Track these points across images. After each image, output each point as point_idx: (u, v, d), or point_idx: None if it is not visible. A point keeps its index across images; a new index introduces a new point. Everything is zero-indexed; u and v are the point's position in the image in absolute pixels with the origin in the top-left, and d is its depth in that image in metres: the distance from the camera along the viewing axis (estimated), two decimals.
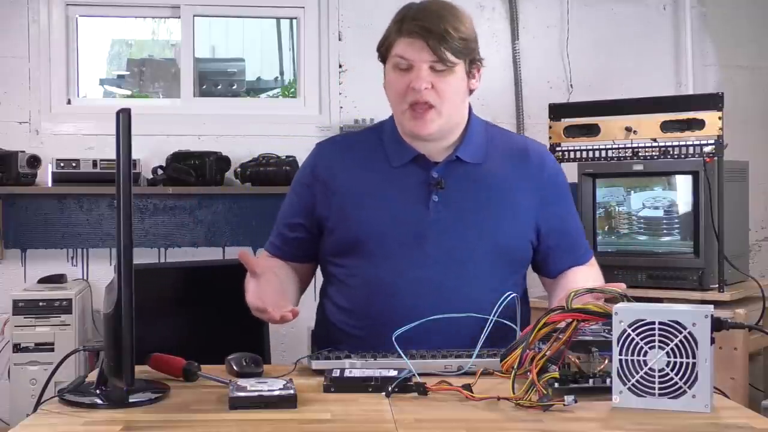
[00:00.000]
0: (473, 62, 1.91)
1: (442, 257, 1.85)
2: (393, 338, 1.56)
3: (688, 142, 3.12)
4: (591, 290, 1.54)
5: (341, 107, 3.94)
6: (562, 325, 1.43)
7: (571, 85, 4.08)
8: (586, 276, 1.99)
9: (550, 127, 3.44)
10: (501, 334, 1.66)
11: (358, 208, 1.90)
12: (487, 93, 4.06)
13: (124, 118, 1.38)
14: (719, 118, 3.08)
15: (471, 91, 1.96)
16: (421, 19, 1.84)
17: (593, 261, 2.07)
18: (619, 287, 1.58)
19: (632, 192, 3.24)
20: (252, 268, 1.74)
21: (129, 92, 4.44)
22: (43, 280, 3.75)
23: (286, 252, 2.00)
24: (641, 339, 1.35)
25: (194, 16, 4.07)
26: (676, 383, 1.34)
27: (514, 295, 1.65)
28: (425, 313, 1.75)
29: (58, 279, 3.76)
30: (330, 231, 1.93)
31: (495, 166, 1.94)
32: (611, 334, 1.38)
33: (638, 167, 3.21)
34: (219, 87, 4.34)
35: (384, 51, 1.90)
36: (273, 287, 1.78)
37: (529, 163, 1.97)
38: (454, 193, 1.89)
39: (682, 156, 3.13)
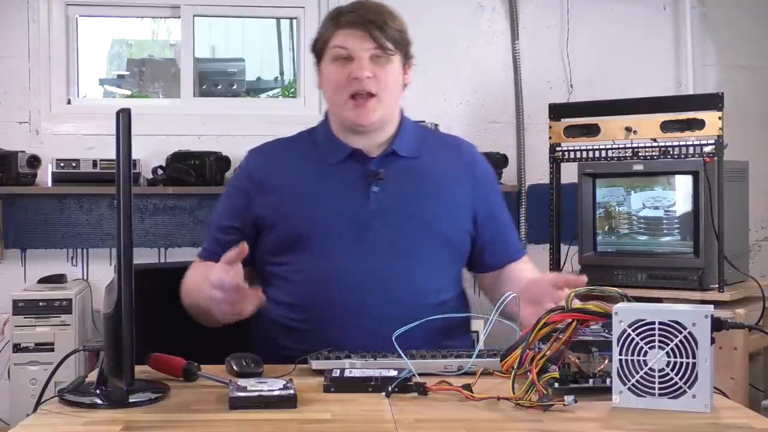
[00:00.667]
0: (407, 57, 1.96)
1: (384, 246, 1.87)
2: (393, 338, 1.56)
3: (688, 142, 3.12)
4: (591, 290, 1.54)
5: None
6: (562, 325, 1.44)
7: (571, 85, 4.08)
8: (528, 269, 2.04)
9: (550, 127, 3.44)
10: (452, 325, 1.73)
11: (297, 204, 1.91)
12: (487, 93, 4.09)
13: (124, 118, 1.38)
14: (719, 118, 3.08)
15: (404, 87, 1.99)
16: (357, 11, 1.89)
17: (527, 258, 2.09)
18: (581, 280, 1.65)
19: (632, 192, 3.24)
20: (229, 257, 1.67)
21: (129, 92, 4.44)
22: (43, 280, 3.75)
23: (220, 256, 1.91)
24: (641, 339, 1.35)
25: (194, 16, 4.07)
26: (676, 383, 1.34)
27: (514, 295, 1.65)
28: (370, 303, 1.82)
29: (58, 279, 3.76)
30: (268, 230, 1.92)
31: (430, 160, 1.97)
32: (611, 334, 1.38)
33: (638, 167, 3.21)
34: (219, 87, 4.34)
35: (320, 47, 1.93)
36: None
37: (462, 158, 2.02)
38: (393, 185, 1.91)
39: (682, 156, 3.13)
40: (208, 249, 1.99)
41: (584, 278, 1.69)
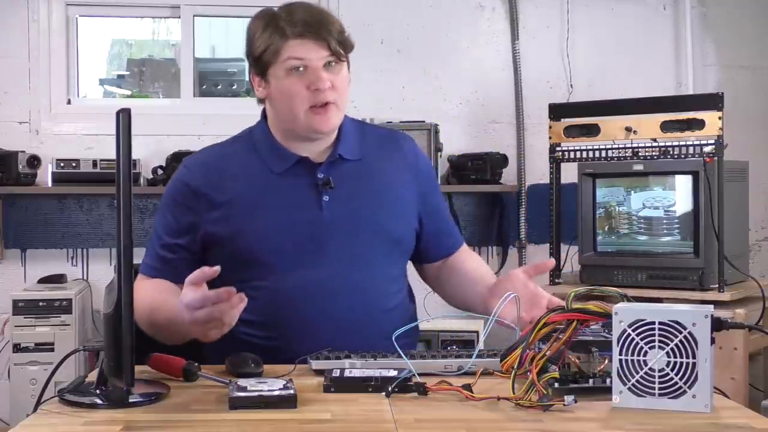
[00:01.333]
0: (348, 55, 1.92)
1: (341, 255, 1.86)
2: (393, 338, 1.56)
3: (688, 142, 3.12)
4: (591, 290, 1.54)
5: None
6: (562, 325, 1.44)
7: (571, 85, 4.08)
8: (471, 257, 2.08)
9: (550, 127, 3.45)
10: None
11: (248, 219, 1.85)
12: (487, 93, 4.09)
13: (124, 118, 1.38)
14: (719, 118, 3.08)
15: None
16: (300, 19, 1.83)
17: (465, 246, 2.11)
18: (549, 263, 1.82)
19: (632, 192, 3.24)
20: (195, 278, 1.60)
21: (129, 92, 4.44)
22: (43, 280, 3.75)
23: (168, 273, 1.86)
24: (641, 339, 1.35)
25: (194, 16, 4.07)
26: (676, 383, 1.34)
27: (514, 295, 1.65)
28: (332, 313, 1.81)
29: (58, 279, 3.76)
30: (219, 248, 1.86)
31: (373, 159, 1.96)
32: (611, 334, 1.38)
33: (638, 167, 3.21)
34: (219, 87, 4.34)
35: (268, 59, 1.85)
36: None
37: (403, 153, 2.01)
38: (343, 191, 1.89)
39: (682, 156, 3.13)
40: (152, 266, 1.90)
41: (552, 261, 1.83)
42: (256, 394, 1.39)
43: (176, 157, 3.75)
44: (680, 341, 1.34)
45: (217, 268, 1.60)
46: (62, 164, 3.70)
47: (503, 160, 3.88)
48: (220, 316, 1.58)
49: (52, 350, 3.42)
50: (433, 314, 2.26)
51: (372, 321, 1.82)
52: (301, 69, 1.83)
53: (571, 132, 3.40)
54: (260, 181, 1.89)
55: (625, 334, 1.36)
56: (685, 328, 1.34)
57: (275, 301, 1.83)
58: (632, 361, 1.36)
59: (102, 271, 3.87)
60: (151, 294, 1.81)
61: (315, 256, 1.85)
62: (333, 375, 1.51)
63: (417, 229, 2.00)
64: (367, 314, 1.82)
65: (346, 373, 1.52)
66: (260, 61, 1.87)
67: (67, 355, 1.68)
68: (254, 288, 1.81)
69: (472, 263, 2.05)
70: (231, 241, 1.85)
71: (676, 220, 3.16)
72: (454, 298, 2.04)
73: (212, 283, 1.63)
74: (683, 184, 3.14)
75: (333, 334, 1.76)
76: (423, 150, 2.70)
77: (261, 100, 1.96)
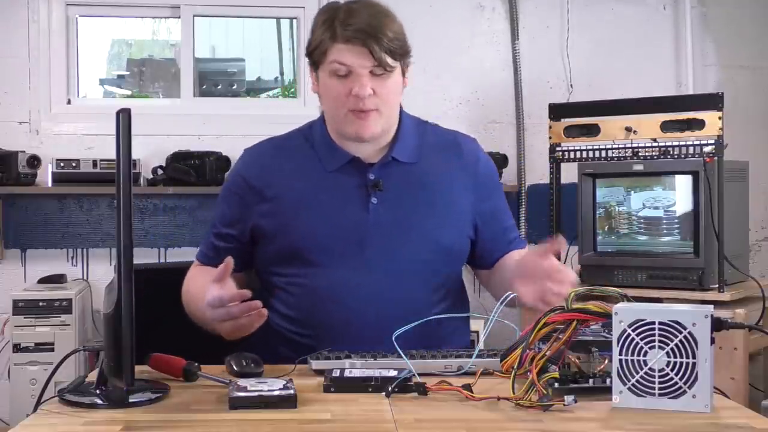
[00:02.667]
0: (406, 62, 1.90)
1: (383, 260, 1.84)
2: (393, 338, 1.56)
3: (688, 142, 3.12)
4: (591, 290, 1.54)
5: None
6: (562, 325, 1.44)
7: (571, 85, 4.08)
8: (517, 252, 2.00)
9: (550, 127, 3.45)
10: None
11: (296, 216, 1.86)
12: (487, 93, 4.09)
13: (124, 118, 1.38)
14: (719, 118, 3.08)
15: (403, 89, 1.94)
16: (354, 22, 1.80)
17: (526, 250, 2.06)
18: (558, 244, 1.73)
19: (632, 192, 3.24)
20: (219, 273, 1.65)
21: (129, 92, 4.44)
22: (43, 280, 3.75)
23: (218, 262, 1.87)
24: (641, 339, 1.35)
25: (194, 16, 4.07)
26: (676, 383, 1.34)
27: (514, 295, 1.65)
28: (367, 317, 1.79)
29: (58, 279, 3.76)
30: (268, 241, 1.89)
31: (430, 164, 1.93)
32: (611, 334, 1.38)
33: (638, 167, 3.21)
34: (219, 87, 4.34)
35: (317, 57, 1.86)
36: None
37: (463, 158, 1.97)
38: (392, 195, 1.87)
39: (682, 156, 3.13)
40: (206, 253, 1.97)
41: (562, 241, 1.75)
42: (256, 394, 1.39)
43: (176, 157, 3.75)
44: (680, 341, 1.34)
45: (230, 261, 1.63)
46: (62, 164, 3.70)
47: (503, 160, 3.88)
48: (238, 317, 1.62)
49: (52, 350, 3.42)
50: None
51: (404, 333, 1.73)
52: (343, 74, 1.81)
53: (571, 132, 3.40)
54: (312, 177, 1.90)
55: (625, 334, 1.36)
56: (685, 328, 1.34)
57: (313, 299, 1.84)
58: (632, 361, 1.36)
59: (102, 271, 3.87)
60: (195, 283, 1.89)
61: (356, 258, 1.83)
62: (333, 375, 1.51)
63: (472, 237, 1.95)
64: (403, 322, 1.68)
65: (346, 373, 1.52)
66: (311, 57, 1.89)
67: (67, 355, 1.68)
68: (295, 284, 1.86)
69: (513, 255, 1.96)
70: (276, 236, 1.88)
71: (676, 220, 3.16)
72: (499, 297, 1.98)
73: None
74: (683, 184, 3.14)
75: (366, 338, 1.71)
76: None
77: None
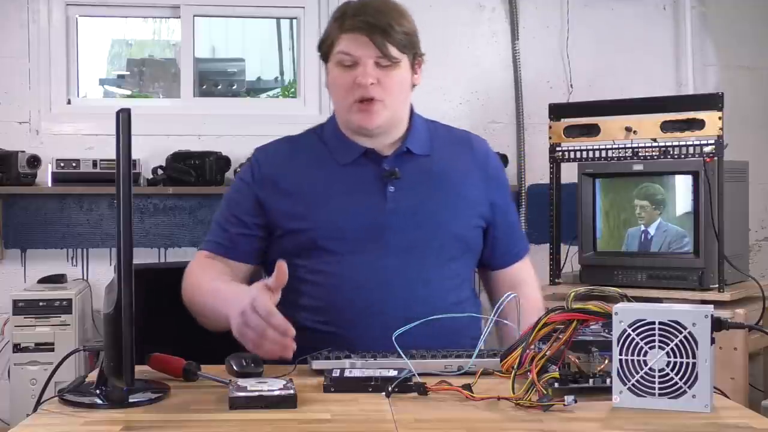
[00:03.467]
0: (416, 56, 1.94)
1: (402, 246, 1.86)
2: (393, 338, 1.56)
3: (688, 142, 3.12)
4: (591, 290, 1.54)
5: None
6: (562, 325, 1.44)
7: (571, 85, 4.08)
8: (526, 273, 2.07)
9: (550, 127, 3.44)
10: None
11: (313, 207, 1.89)
12: (487, 93, 4.09)
13: (124, 118, 1.38)
14: (719, 118, 3.08)
15: (413, 86, 1.97)
16: (362, 14, 1.85)
17: (527, 258, 2.10)
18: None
19: (632, 192, 3.23)
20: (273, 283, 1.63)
21: (129, 92, 4.44)
22: (43, 280, 3.75)
23: (232, 250, 1.93)
24: (641, 339, 1.35)
25: (194, 16, 4.07)
26: (676, 383, 1.34)
27: (514, 295, 1.65)
28: (386, 303, 1.81)
29: (58, 279, 3.76)
30: (283, 233, 1.91)
31: (442, 157, 1.96)
32: (611, 334, 1.38)
33: (638, 167, 3.21)
34: (219, 87, 4.34)
35: (326, 49, 1.91)
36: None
37: (474, 154, 2.01)
38: (408, 183, 1.90)
39: (682, 156, 3.13)
40: (219, 242, 1.94)
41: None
42: (256, 394, 1.39)
43: (176, 157, 3.75)
44: (680, 341, 1.34)
45: (283, 266, 1.60)
46: (62, 164, 3.70)
47: (503, 160, 3.88)
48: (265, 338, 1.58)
49: (52, 350, 3.42)
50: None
51: (425, 315, 1.70)
52: (349, 64, 1.85)
53: (571, 132, 3.40)
54: (326, 171, 1.92)
55: (625, 334, 1.36)
56: (685, 328, 1.34)
57: (332, 286, 1.86)
58: (632, 361, 1.36)
59: (102, 271, 3.87)
60: (207, 275, 1.88)
61: (375, 245, 1.86)
62: (333, 375, 1.51)
63: (483, 227, 1.98)
64: (421, 308, 1.74)
65: (346, 373, 1.52)
66: (321, 50, 1.93)
67: (67, 355, 1.68)
68: (315, 272, 1.87)
69: (527, 288, 1.99)
70: (294, 229, 1.89)
71: (676, 220, 3.16)
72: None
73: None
74: (683, 184, 3.14)
75: (387, 326, 1.68)
76: None
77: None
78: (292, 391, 1.41)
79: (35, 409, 1.40)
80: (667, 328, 1.34)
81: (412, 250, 1.87)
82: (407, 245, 1.87)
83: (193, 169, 3.73)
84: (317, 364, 1.60)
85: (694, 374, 1.33)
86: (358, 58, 1.85)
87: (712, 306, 1.36)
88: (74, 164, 3.70)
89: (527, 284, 2.04)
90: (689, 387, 1.34)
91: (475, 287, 2.04)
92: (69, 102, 3.99)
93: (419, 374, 1.51)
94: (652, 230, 3.19)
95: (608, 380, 1.41)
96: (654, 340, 1.35)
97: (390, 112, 1.89)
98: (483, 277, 2.10)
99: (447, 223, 1.91)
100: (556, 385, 1.41)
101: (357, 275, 1.85)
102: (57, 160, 3.71)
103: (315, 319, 1.89)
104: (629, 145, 3.25)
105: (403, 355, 1.56)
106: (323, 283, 1.88)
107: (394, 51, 1.85)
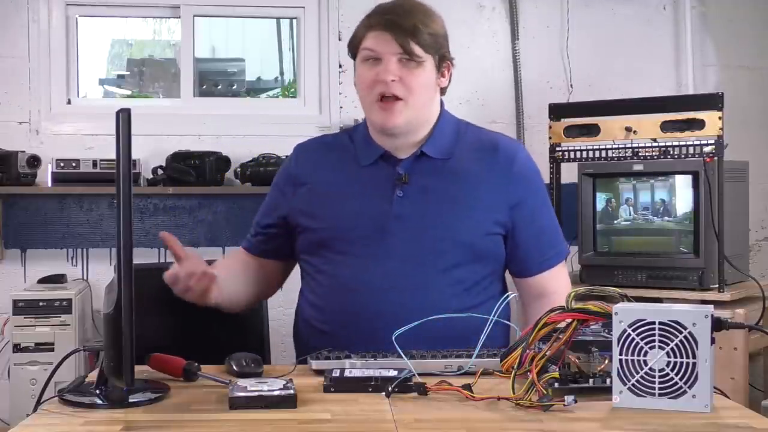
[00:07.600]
0: (443, 59, 1.94)
1: (404, 251, 1.86)
2: (393, 338, 1.56)
3: (688, 142, 3.12)
4: (591, 290, 1.54)
5: (341, 107, 3.93)
6: (562, 325, 1.44)
7: (571, 85, 4.08)
8: (558, 284, 1.98)
9: (550, 127, 3.44)
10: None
11: (324, 206, 1.93)
12: (487, 93, 4.09)
13: (124, 118, 1.38)
14: (719, 118, 3.08)
15: (443, 90, 1.98)
16: (390, 13, 1.88)
17: (563, 264, 2.03)
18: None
19: (632, 192, 3.23)
20: (174, 252, 1.83)
21: (129, 92, 4.44)
22: (43, 280, 3.75)
23: (255, 247, 2.07)
24: (641, 339, 1.35)
25: (194, 16, 4.07)
26: (676, 383, 1.34)
27: (514, 295, 1.65)
28: (383, 307, 1.81)
29: (58, 279, 3.76)
30: (301, 230, 1.96)
31: (462, 161, 1.94)
32: (611, 334, 1.38)
33: (638, 167, 3.21)
34: (219, 87, 4.34)
35: (354, 47, 1.93)
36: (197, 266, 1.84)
37: (498, 158, 1.95)
38: (418, 189, 1.90)
39: (682, 156, 3.13)
40: (248, 239, 2.10)
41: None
42: (256, 394, 1.40)
43: (176, 157, 3.75)
44: (680, 341, 1.34)
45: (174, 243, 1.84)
46: (62, 164, 3.70)
47: None
48: (192, 290, 1.81)
49: (52, 350, 3.42)
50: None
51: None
52: (372, 60, 1.87)
53: (571, 132, 3.40)
54: (346, 171, 1.95)
55: (625, 334, 1.36)
56: (685, 328, 1.34)
57: (333, 287, 1.89)
58: (632, 361, 1.36)
59: (102, 271, 3.87)
60: (219, 262, 2.07)
61: (377, 248, 1.87)
62: (333, 375, 1.52)
63: (500, 234, 1.92)
64: (420, 314, 1.68)
65: (346, 373, 1.53)
66: (350, 48, 1.96)
67: (67, 355, 1.68)
68: (320, 272, 1.92)
69: (557, 291, 1.92)
70: (307, 225, 1.94)
71: (676, 220, 3.16)
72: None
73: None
74: (683, 184, 3.13)
75: (382, 328, 1.69)
76: None
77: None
78: (292, 391, 1.41)
79: (35, 409, 1.41)
80: (667, 328, 1.34)
81: (412, 257, 1.86)
82: (407, 251, 1.86)
83: (193, 169, 3.73)
84: (317, 364, 1.61)
85: (694, 374, 1.33)
86: (382, 55, 1.86)
87: (712, 306, 1.37)
88: (74, 164, 3.69)
89: (553, 298, 1.88)
90: (689, 387, 1.34)
91: (499, 294, 1.94)
92: (69, 102, 3.99)
93: (419, 374, 1.51)
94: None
95: (608, 380, 1.41)
96: (654, 340, 1.35)
97: (412, 112, 1.88)
98: (517, 285, 2.03)
99: (453, 230, 1.88)
100: (556, 385, 1.41)
101: (353, 278, 1.86)
102: (57, 160, 3.71)
103: (315, 317, 1.92)
104: (629, 145, 3.25)
105: (403, 355, 1.56)
106: (324, 282, 1.91)
107: (417, 50, 1.85)
